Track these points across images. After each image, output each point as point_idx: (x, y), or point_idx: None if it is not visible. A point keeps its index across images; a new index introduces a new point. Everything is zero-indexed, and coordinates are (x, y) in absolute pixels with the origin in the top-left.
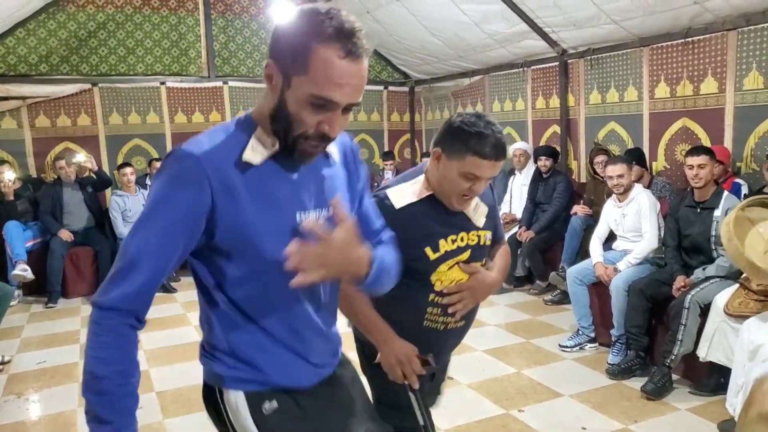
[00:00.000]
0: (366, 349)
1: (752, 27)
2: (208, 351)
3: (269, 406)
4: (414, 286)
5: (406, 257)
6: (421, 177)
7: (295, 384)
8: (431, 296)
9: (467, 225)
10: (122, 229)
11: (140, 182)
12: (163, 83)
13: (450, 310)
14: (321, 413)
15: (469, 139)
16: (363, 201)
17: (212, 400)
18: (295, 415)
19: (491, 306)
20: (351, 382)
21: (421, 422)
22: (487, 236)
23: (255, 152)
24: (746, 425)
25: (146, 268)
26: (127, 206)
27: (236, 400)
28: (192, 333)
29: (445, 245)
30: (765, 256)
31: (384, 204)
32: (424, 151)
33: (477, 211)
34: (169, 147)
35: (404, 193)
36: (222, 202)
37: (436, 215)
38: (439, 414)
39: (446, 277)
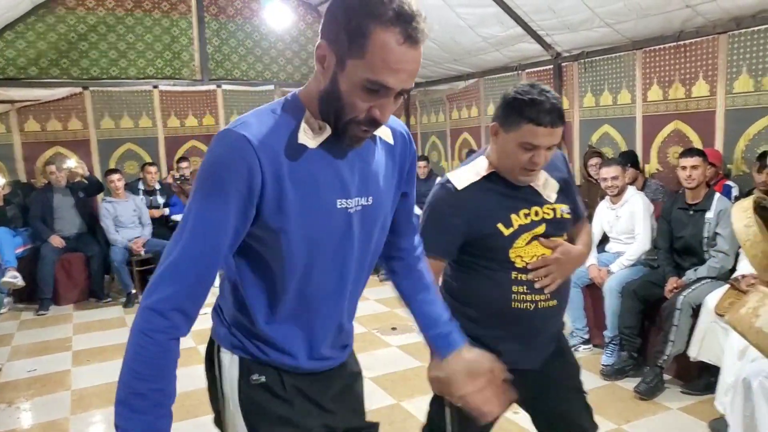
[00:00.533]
0: None
1: (743, 30)
2: (220, 312)
3: (257, 377)
4: (495, 266)
5: (481, 237)
6: (482, 157)
7: (292, 366)
8: (513, 274)
9: (539, 199)
10: (114, 235)
11: (132, 187)
12: (155, 87)
13: (537, 285)
14: (305, 400)
15: (523, 107)
16: (408, 196)
17: (210, 353)
18: (277, 393)
19: None
20: (350, 378)
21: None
22: (563, 209)
23: (307, 136)
24: (723, 319)
25: (199, 260)
26: (117, 212)
27: (230, 361)
28: (186, 339)
29: (518, 219)
30: None
31: (445, 187)
32: (420, 154)
33: (547, 186)
34: (161, 151)
35: (465, 174)
36: (270, 186)
37: (503, 191)
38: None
39: (526, 252)
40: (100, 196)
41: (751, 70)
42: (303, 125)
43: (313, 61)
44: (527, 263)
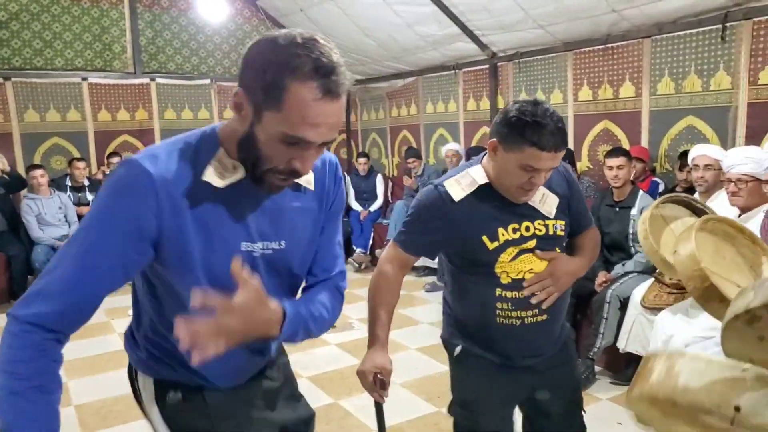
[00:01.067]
0: (448, 347)
1: (664, 35)
2: (130, 333)
3: (173, 395)
4: (480, 280)
5: (467, 249)
6: (478, 167)
7: (206, 382)
8: (498, 290)
9: (533, 213)
10: (38, 233)
11: (59, 183)
12: (84, 79)
13: (534, 301)
14: (228, 413)
15: (526, 129)
16: (325, 230)
17: (131, 377)
18: (198, 408)
19: (424, 304)
20: (277, 386)
21: None
22: (557, 226)
23: (215, 174)
24: (631, 402)
25: (81, 286)
26: (41, 209)
27: (144, 383)
28: (116, 341)
29: (504, 234)
30: (674, 255)
31: (440, 193)
32: (360, 151)
33: (545, 202)
34: (92, 146)
35: (461, 184)
36: (169, 225)
37: (496, 204)
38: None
39: (512, 268)
40: (23, 193)
41: (672, 73)
42: (213, 163)
43: None
44: (512, 279)
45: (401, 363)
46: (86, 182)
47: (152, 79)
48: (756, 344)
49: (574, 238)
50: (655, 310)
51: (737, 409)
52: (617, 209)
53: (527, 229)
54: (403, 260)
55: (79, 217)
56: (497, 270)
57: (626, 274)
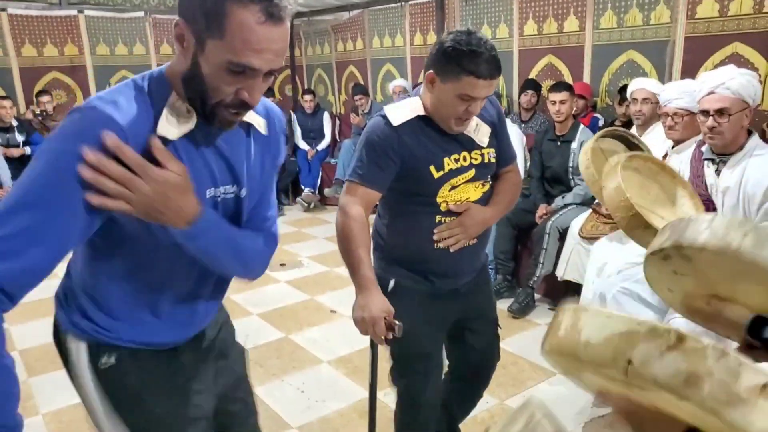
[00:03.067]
0: (381, 282)
1: None
2: (63, 295)
3: (106, 360)
4: (420, 209)
5: (412, 178)
6: (416, 98)
7: (143, 342)
8: (438, 217)
9: (469, 144)
10: None
11: None
12: (3, 10)
13: (441, 245)
14: (164, 375)
15: (463, 58)
16: (271, 177)
17: (58, 342)
18: (132, 371)
19: None
20: (220, 352)
21: (369, 380)
22: (491, 154)
23: (170, 124)
24: (544, 355)
25: (38, 243)
26: None
27: (77, 348)
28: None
29: (449, 163)
30: (603, 189)
31: (381, 121)
32: (305, 87)
33: (479, 131)
34: (17, 84)
35: (401, 110)
36: None
37: (436, 134)
38: (321, 347)
39: (452, 197)
40: None
41: (615, 7)
42: (166, 111)
43: None
44: (450, 208)
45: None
46: (14, 122)
47: (80, 11)
48: (671, 276)
49: (494, 177)
50: (592, 239)
51: (629, 362)
52: (558, 143)
53: (465, 158)
54: (369, 197)
55: (7, 159)
56: (438, 199)
57: (566, 206)
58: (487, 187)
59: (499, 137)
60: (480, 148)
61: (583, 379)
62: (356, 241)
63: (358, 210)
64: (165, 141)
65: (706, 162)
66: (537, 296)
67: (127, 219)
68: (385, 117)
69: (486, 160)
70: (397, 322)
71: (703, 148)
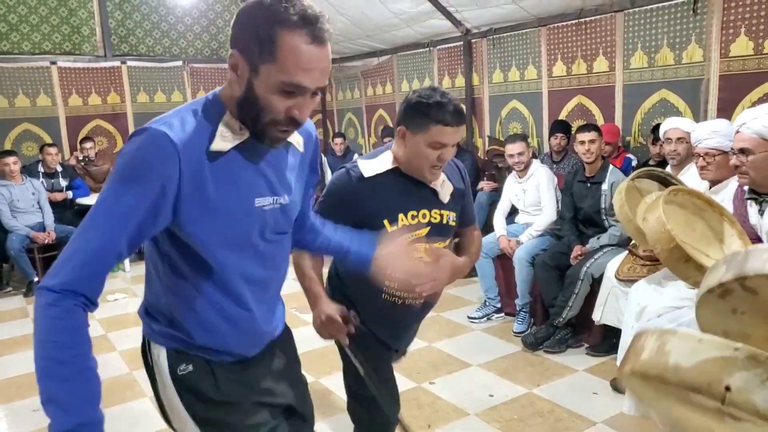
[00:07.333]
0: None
1: (637, 9)
2: (146, 308)
3: (184, 367)
4: None
5: (367, 228)
6: (388, 152)
7: (218, 352)
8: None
9: (432, 202)
10: (11, 221)
11: (31, 170)
12: (53, 63)
13: (411, 294)
14: (236, 384)
15: (430, 110)
16: (308, 191)
17: (144, 351)
18: (207, 380)
19: None
20: (287, 362)
21: (362, 372)
22: (450, 216)
23: (224, 140)
24: (623, 378)
25: (103, 250)
26: (13, 196)
27: (159, 354)
28: (96, 326)
29: (404, 220)
30: (644, 222)
31: (350, 174)
32: (336, 131)
33: (443, 187)
34: (63, 131)
35: (373, 164)
36: (189, 188)
37: (402, 188)
38: None
39: None
40: None
41: (645, 46)
42: (221, 128)
43: (223, 36)
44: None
45: None
46: (59, 168)
47: (123, 62)
48: (729, 317)
49: (459, 235)
50: (629, 282)
51: (728, 388)
52: (589, 185)
53: (424, 216)
54: None
55: (52, 203)
56: None
57: (601, 248)
58: (441, 246)
59: (464, 200)
60: (441, 207)
61: (661, 408)
62: (306, 264)
63: None
64: (219, 154)
65: (749, 201)
66: (573, 341)
67: (204, 247)
68: (350, 170)
69: (444, 221)
70: (351, 313)
71: (745, 187)
